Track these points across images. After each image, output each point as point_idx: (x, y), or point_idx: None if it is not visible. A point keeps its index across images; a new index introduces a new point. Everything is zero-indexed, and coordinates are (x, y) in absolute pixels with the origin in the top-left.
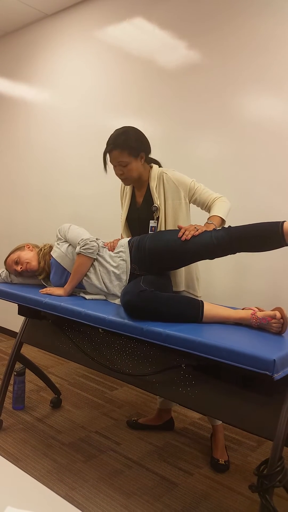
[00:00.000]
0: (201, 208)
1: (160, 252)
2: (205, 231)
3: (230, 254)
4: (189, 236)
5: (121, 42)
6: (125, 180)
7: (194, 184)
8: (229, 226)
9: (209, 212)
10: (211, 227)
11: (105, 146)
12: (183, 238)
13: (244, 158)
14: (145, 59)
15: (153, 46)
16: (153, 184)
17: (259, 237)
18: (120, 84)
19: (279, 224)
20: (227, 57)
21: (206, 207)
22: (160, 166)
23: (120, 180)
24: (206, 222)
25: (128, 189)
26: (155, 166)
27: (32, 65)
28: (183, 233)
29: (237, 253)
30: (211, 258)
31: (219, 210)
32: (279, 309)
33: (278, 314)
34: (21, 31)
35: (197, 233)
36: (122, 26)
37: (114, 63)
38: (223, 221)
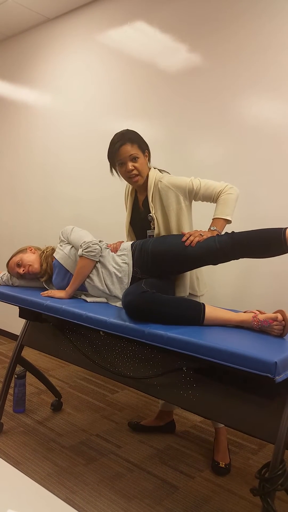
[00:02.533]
0: (209, 202)
1: (162, 256)
2: (210, 236)
3: (233, 260)
4: (194, 242)
5: (122, 46)
6: (137, 177)
7: (192, 184)
8: (233, 232)
9: None
10: (214, 234)
11: (105, 148)
12: (187, 243)
13: (245, 161)
14: (147, 62)
15: (154, 49)
16: (150, 193)
17: (262, 243)
18: (121, 87)
19: (282, 231)
20: (227, 59)
21: (213, 200)
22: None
23: (127, 182)
24: (209, 229)
25: (130, 192)
26: (152, 171)
27: (34, 68)
28: (187, 238)
29: (242, 259)
30: (214, 263)
31: (221, 210)
32: (280, 311)
33: (279, 316)
34: (23, 35)
35: (201, 239)
36: (123, 29)
37: (115, 66)
38: (227, 221)
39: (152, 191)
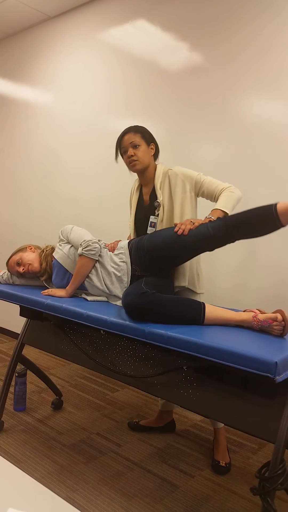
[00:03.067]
0: (211, 201)
1: (158, 249)
2: (202, 223)
3: (229, 243)
4: (186, 230)
5: (123, 44)
6: (135, 163)
7: (200, 177)
8: (225, 216)
9: None
10: (206, 221)
11: (105, 148)
12: (179, 232)
13: (246, 160)
14: (148, 61)
15: (155, 48)
16: (158, 181)
17: (255, 222)
18: (122, 86)
19: (273, 207)
20: (228, 59)
21: (215, 199)
22: None
23: (129, 170)
24: (206, 217)
25: (136, 189)
26: (160, 164)
27: (35, 67)
28: (179, 228)
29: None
30: (211, 249)
31: (222, 203)
32: (280, 311)
33: (279, 316)
34: (23, 33)
35: (193, 226)
36: (124, 28)
37: (116, 65)
38: (226, 214)
39: (161, 179)
